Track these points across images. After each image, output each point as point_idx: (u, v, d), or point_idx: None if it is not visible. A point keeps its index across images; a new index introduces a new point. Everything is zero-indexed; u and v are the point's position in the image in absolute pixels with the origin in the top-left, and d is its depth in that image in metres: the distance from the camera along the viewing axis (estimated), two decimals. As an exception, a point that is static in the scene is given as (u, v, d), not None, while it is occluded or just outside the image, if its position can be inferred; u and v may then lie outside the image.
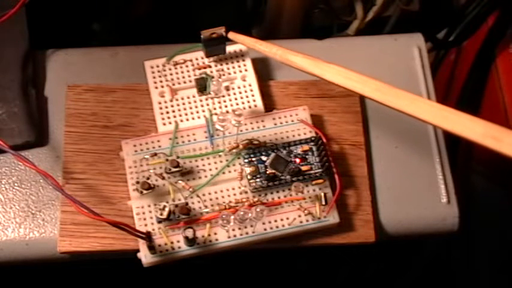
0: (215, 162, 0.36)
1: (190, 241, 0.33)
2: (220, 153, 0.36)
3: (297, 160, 0.36)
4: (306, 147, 0.36)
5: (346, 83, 0.29)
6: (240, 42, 0.37)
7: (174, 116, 0.37)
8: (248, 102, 0.38)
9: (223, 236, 0.34)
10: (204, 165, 0.35)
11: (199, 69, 0.38)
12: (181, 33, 0.41)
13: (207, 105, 0.37)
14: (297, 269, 0.61)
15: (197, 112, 0.37)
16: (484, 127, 0.23)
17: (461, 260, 0.60)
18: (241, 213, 0.32)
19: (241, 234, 0.34)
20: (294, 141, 0.36)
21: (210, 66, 0.39)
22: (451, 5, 0.54)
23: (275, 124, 0.37)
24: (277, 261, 0.58)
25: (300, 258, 0.60)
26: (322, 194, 0.35)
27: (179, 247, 0.33)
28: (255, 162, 0.35)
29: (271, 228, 0.34)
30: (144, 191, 0.34)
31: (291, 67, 0.33)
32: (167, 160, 0.34)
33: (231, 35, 0.37)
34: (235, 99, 0.38)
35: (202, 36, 0.36)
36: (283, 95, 0.39)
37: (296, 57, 0.32)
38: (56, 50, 0.41)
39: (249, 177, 0.35)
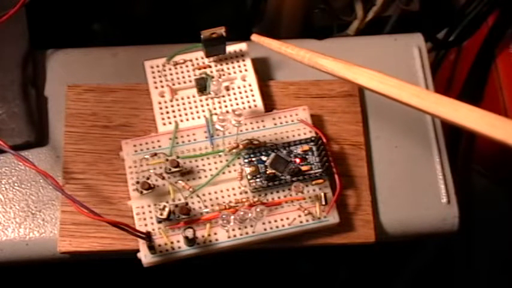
0: (215, 162, 0.36)
1: (190, 241, 0.33)
2: (220, 153, 0.36)
3: (297, 160, 0.36)
4: (306, 147, 0.36)
5: (381, 88, 0.27)
6: (265, 45, 0.36)
7: (174, 116, 0.37)
8: (248, 102, 0.38)
9: (223, 236, 0.34)
10: (204, 165, 0.35)
11: (199, 69, 0.38)
12: (181, 33, 0.41)
13: (207, 105, 0.37)
14: (297, 269, 0.61)
15: (197, 112, 0.37)
16: None
17: (461, 260, 0.60)
18: (241, 213, 0.32)
19: (241, 234, 0.34)
20: (294, 141, 0.36)
21: (210, 66, 0.39)
22: (451, 5, 0.54)
23: (275, 124, 0.37)
24: (277, 261, 0.58)
25: (300, 259, 0.60)
26: (322, 194, 0.35)
27: (179, 247, 0.33)
28: (255, 162, 0.35)
29: (271, 228, 0.34)
30: (144, 191, 0.34)
31: (321, 71, 0.31)
32: (167, 160, 0.34)
33: (255, 38, 0.37)
34: (235, 99, 0.38)
35: (202, 36, 0.36)
36: (283, 95, 0.39)
37: (326, 61, 0.31)
38: (56, 50, 0.41)
39: (249, 177, 0.35)
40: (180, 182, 0.34)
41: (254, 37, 0.37)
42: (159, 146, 0.36)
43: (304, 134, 0.37)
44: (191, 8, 0.52)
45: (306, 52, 0.33)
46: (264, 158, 0.35)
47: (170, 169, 0.34)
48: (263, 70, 0.40)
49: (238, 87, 0.38)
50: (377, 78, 0.27)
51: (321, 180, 0.35)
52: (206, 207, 0.34)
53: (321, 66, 0.31)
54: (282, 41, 0.35)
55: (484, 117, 0.22)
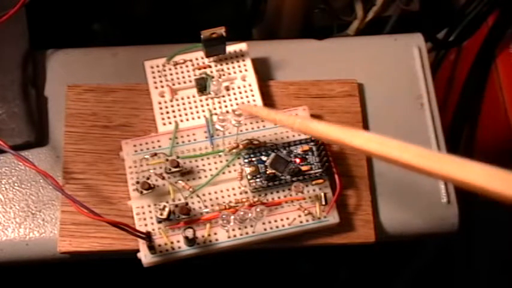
0: (215, 162, 0.36)
1: (190, 241, 0.33)
2: (220, 153, 0.36)
3: (297, 160, 0.36)
4: (306, 147, 0.36)
5: (380, 150, 0.24)
6: (253, 113, 0.36)
7: (174, 116, 0.37)
8: (248, 102, 0.38)
9: (223, 236, 0.34)
10: (204, 165, 0.35)
11: (199, 69, 0.38)
12: (181, 33, 0.41)
13: (207, 105, 0.37)
14: (297, 269, 0.61)
15: (197, 112, 0.37)
16: None
17: (461, 260, 0.60)
18: (241, 213, 0.32)
19: (241, 234, 0.34)
20: (294, 141, 0.36)
21: (210, 66, 0.39)
22: (451, 5, 0.54)
23: (275, 124, 0.37)
24: (277, 261, 0.58)
25: (300, 259, 0.60)
26: (322, 194, 0.35)
27: (179, 247, 0.33)
28: (255, 162, 0.35)
29: (271, 228, 0.34)
30: (144, 191, 0.33)
31: (312, 135, 0.30)
32: (167, 160, 0.34)
33: (242, 107, 0.36)
34: (235, 99, 0.38)
35: (202, 36, 0.36)
36: (283, 95, 0.39)
37: (319, 125, 0.28)
38: (56, 50, 0.41)
39: (249, 177, 0.35)
40: (180, 182, 0.34)
41: (241, 106, 0.36)
42: (159, 146, 0.36)
43: (304, 134, 0.37)
44: (191, 8, 0.52)
45: (295, 118, 0.32)
46: (264, 158, 0.35)
47: (170, 169, 0.34)
48: (263, 70, 0.40)
49: (238, 87, 0.38)
50: (375, 140, 0.25)
51: (321, 180, 0.35)
52: (206, 207, 0.34)
53: (312, 130, 0.29)
54: (268, 108, 0.34)
55: (496, 174, 0.20)
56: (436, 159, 0.22)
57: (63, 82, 0.39)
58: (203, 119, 0.37)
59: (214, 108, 0.37)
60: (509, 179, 0.19)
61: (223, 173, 0.35)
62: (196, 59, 0.39)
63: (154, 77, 0.38)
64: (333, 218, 0.35)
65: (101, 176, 0.36)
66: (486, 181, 0.20)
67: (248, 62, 0.39)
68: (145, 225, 0.34)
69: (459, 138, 0.53)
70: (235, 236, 0.34)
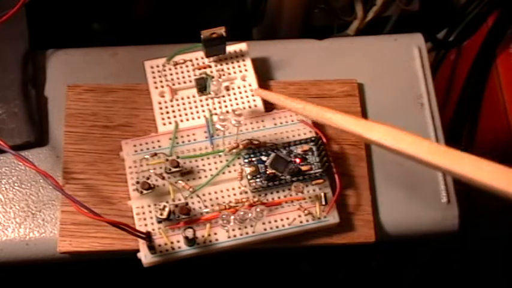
0: (215, 162, 0.36)
1: (190, 241, 0.33)
2: (220, 153, 0.36)
3: (297, 160, 0.36)
4: (306, 147, 0.36)
5: (396, 145, 0.25)
6: (269, 100, 0.36)
7: (174, 116, 0.37)
8: (248, 102, 0.38)
9: (223, 236, 0.34)
10: (204, 165, 0.35)
11: (199, 69, 0.38)
12: (181, 33, 0.41)
13: (207, 105, 0.37)
14: (297, 269, 0.61)
15: (197, 112, 0.37)
16: None
17: (461, 260, 0.60)
18: (241, 213, 0.32)
19: (241, 234, 0.34)
20: (294, 141, 0.36)
21: (210, 66, 0.39)
22: (451, 5, 0.54)
23: (275, 124, 0.37)
24: (277, 261, 0.58)
25: (300, 259, 0.60)
26: (322, 194, 0.35)
27: (179, 247, 0.33)
28: (255, 162, 0.35)
29: (271, 228, 0.34)
30: (144, 191, 0.33)
31: (328, 125, 0.29)
32: (167, 160, 0.34)
33: (257, 92, 0.37)
34: (235, 99, 0.38)
35: (202, 36, 0.36)
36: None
37: (335, 115, 0.28)
38: (56, 50, 0.41)
39: (249, 177, 0.35)
40: (180, 182, 0.34)
41: (256, 91, 0.37)
42: (159, 146, 0.36)
43: (304, 134, 0.37)
44: (191, 8, 0.52)
45: (313, 107, 0.31)
46: (264, 158, 0.35)
47: (170, 169, 0.34)
48: (263, 70, 0.40)
49: (238, 87, 0.38)
50: (392, 134, 0.25)
51: (321, 180, 0.35)
52: (206, 207, 0.34)
53: (328, 120, 0.29)
54: (285, 96, 0.34)
55: (506, 174, 0.20)
56: (452, 157, 0.22)
57: (63, 82, 0.39)
58: (203, 119, 0.37)
59: (214, 108, 0.37)
60: None
61: (223, 173, 0.35)
62: (196, 59, 0.39)
63: (154, 77, 0.38)
64: (333, 218, 0.35)
65: (101, 176, 0.36)
66: (496, 180, 0.20)
67: (248, 62, 0.39)
68: (145, 225, 0.34)
69: (459, 138, 0.53)
70: (235, 236, 0.34)
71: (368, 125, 0.26)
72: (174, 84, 0.38)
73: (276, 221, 0.35)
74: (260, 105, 0.38)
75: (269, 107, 0.38)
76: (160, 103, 0.37)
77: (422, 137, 0.24)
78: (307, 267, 0.61)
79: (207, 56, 0.38)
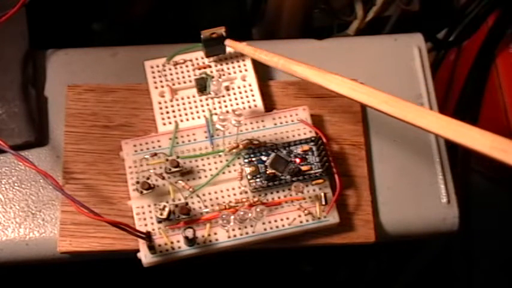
0: (215, 162, 0.36)
1: (190, 241, 0.33)
2: (220, 153, 0.36)
3: (297, 160, 0.36)
4: (306, 147, 0.36)
5: (352, 94, 0.30)
6: (238, 50, 0.37)
7: (174, 116, 0.37)
8: (248, 102, 0.38)
9: (223, 236, 0.34)
10: (204, 165, 0.35)
11: (199, 69, 0.38)
12: (181, 33, 0.41)
13: (207, 105, 0.37)
14: (297, 269, 0.61)
15: (197, 112, 0.37)
16: (491, 140, 0.24)
17: (461, 260, 0.60)
18: (241, 213, 0.32)
19: (241, 234, 0.34)
20: (294, 141, 0.36)
21: (210, 66, 0.39)
22: (451, 5, 0.54)
23: (275, 124, 0.37)
24: (277, 261, 0.58)
25: (300, 259, 0.60)
26: (322, 194, 0.35)
27: (179, 247, 0.33)
28: (255, 162, 0.35)
29: (271, 228, 0.34)
30: (144, 191, 0.34)
31: (295, 76, 0.33)
32: (167, 160, 0.34)
33: (229, 42, 0.37)
34: (235, 99, 0.38)
35: (202, 36, 0.36)
36: (283, 95, 0.39)
37: (299, 67, 0.32)
38: (56, 50, 0.41)
39: (249, 177, 0.35)
40: (180, 182, 0.34)
41: (228, 42, 0.37)
42: (159, 146, 0.36)
43: (304, 134, 0.37)
44: (191, 8, 0.52)
45: (279, 58, 0.34)
46: (264, 158, 0.35)
47: (170, 169, 0.34)
48: (263, 70, 0.40)
49: (238, 87, 0.38)
50: (348, 84, 0.30)
51: (321, 180, 0.35)
52: (206, 207, 0.34)
53: (294, 72, 0.33)
54: (255, 46, 0.36)
55: (449, 125, 0.25)
56: (400, 106, 0.27)
57: (63, 82, 0.39)
58: (203, 119, 0.37)
59: (214, 108, 0.37)
60: (457, 129, 0.25)
61: (223, 173, 0.35)
62: (196, 59, 0.39)
63: (154, 77, 0.38)
64: (333, 218, 0.35)
65: (101, 176, 0.36)
66: (439, 129, 0.25)
67: (248, 62, 0.39)
68: (145, 225, 0.34)
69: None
70: (235, 236, 0.34)
71: (327, 76, 0.31)
72: (174, 84, 0.38)
73: (276, 221, 0.35)
74: (260, 105, 0.38)
75: (269, 107, 0.38)
76: (160, 103, 0.37)
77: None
78: (307, 267, 0.61)
79: (207, 56, 0.38)
